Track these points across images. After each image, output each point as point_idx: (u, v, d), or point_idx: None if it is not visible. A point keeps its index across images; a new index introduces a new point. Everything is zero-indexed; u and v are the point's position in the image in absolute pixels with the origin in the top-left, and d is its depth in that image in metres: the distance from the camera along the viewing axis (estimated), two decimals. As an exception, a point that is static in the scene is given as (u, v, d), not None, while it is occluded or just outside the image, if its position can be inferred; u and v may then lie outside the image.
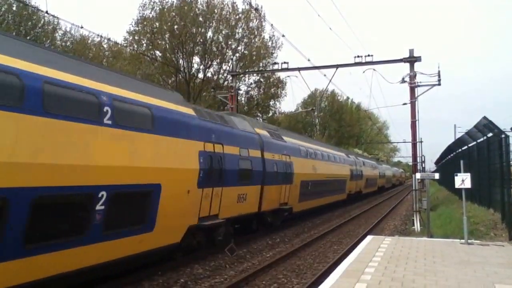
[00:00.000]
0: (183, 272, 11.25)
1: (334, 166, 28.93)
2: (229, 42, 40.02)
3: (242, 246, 14.68)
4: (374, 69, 24.09)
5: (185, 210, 11.25)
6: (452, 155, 29.60)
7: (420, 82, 23.19)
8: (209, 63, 40.40)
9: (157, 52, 39.33)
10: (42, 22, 35.01)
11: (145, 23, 37.99)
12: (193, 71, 40.09)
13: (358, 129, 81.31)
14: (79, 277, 8.36)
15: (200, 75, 40.49)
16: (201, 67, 40.48)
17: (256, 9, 37.63)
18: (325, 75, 26.01)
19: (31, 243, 7.06)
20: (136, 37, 38.48)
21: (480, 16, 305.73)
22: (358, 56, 23.90)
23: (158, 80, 39.00)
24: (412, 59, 22.95)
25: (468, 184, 11.59)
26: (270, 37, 42.35)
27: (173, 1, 38.27)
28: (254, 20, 40.73)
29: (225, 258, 12.97)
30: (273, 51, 42.63)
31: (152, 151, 9.78)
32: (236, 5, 39.95)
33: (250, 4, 32.43)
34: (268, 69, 38.78)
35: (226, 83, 39.13)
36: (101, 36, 34.28)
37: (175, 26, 37.56)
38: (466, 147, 21.52)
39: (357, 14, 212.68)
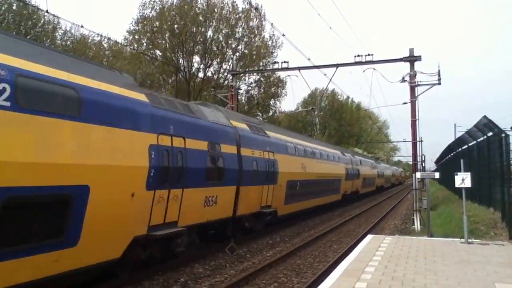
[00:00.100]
0: (183, 271, 11.25)
1: (327, 164, 27.04)
2: (229, 42, 40.05)
3: (242, 246, 14.68)
4: (374, 69, 24.11)
5: (127, 218, 9.14)
6: (452, 154, 29.61)
7: (420, 81, 23.23)
8: (209, 62, 40.43)
9: (157, 52, 39.35)
10: (42, 21, 35.01)
11: (145, 22, 38.02)
12: (193, 71, 40.14)
13: (358, 129, 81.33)
14: None
15: (200, 75, 40.56)
16: (201, 66, 40.55)
17: (256, 9, 37.68)
18: (325, 75, 26.02)
19: None
20: (136, 37, 38.51)
21: (480, 15, 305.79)
22: (358, 56, 23.93)
23: (158, 80, 39.03)
24: (412, 59, 22.95)
25: (468, 183, 11.59)
26: (270, 36, 42.44)
27: (173, 1, 38.35)
28: (254, 20, 40.79)
29: (225, 258, 12.96)
30: (273, 51, 42.72)
31: (77, 143, 7.82)
32: (236, 4, 40.04)
33: (250, 3, 32.50)
34: (268, 68, 38.78)
35: (226, 82, 39.13)
36: (101, 36, 34.28)
37: (175, 26, 37.58)
38: (466, 146, 21.52)
39: (357, 13, 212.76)
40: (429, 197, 17.71)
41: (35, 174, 7.01)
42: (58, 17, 26.78)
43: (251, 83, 45.14)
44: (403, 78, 23.22)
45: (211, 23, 39.08)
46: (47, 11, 17.22)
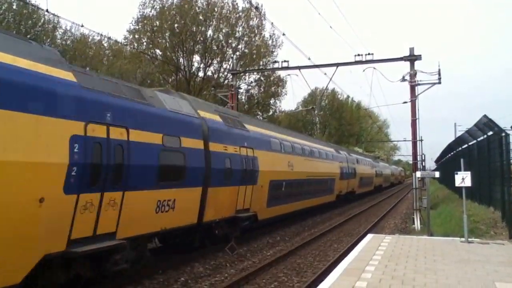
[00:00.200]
0: (184, 270, 11.26)
1: (319, 163, 25.06)
2: (230, 41, 40.02)
3: (242, 245, 14.69)
4: (374, 68, 24.17)
5: (32, 230, 7.11)
6: (452, 153, 29.62)
7: (420, 80, 23.26)
8: (210, 61, 40.41)
9: (158, 51, 39.33)
10: (42, 20, 34.96)
11: (145, 21, 38.00)
12: (193, 70, 40.11)
13: (359, 128, 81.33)
14: None
15: (201, 74, 40.52)
16: (202, 65, 40.51)
17: (256, 8, 37.66)
18: (325, 74, 26.06)
19: None
20: (136, 36, 38.49)
21: (480, 14, 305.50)
22: (359, 55, 23.99)
23: (158, 79, 39.02)
24: (412, 58, 22.97)
25: (468, 182, 11.60)
26: (270, 35, 42.39)
27: (173, 0, 38.31)
28: (255, 19, 40.76)
29: (225, 257, 12.98)
30: (273, 50, 42.68)
31: None
32: (236, 4, 40.00)
33: (250, 2, 32.44)
34: (269, 67, 38.79)
35: (226, 81, 39.10)
36: (102, 35, 34.23)
37: (176, 25, 37.55)
38: (466, 145, 21.52)
39: (357, 12, 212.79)
40: (429, 196, 17.74)
41: None
42: (58, 16, 26.70)
43: (251, 82, 45.19)
44: (403, 77, 23.26)
45: (211, 22, 39.06)
46: (47, 11, 17.30)
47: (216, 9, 38.96)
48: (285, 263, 12.74)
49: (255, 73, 42.48)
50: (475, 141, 18.57)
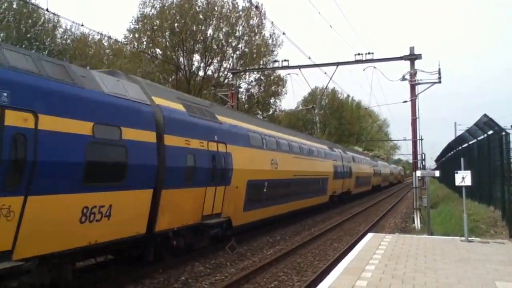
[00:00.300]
0: (184, 270, 11.27)
1: (309, 161, 22.97)
2: (230, 40, 40.03)
3: (242, 244, 14.70)
4: (374, 67, 24.20)
5: None
6: (452, 152, 29.62)
7: (421, 79, 23.28)
8: (210, 61, 40.42)
9: (158, 50, 39.34)
10: (42, 20, 34.99)
11: (145, 21, 38.00)
12: (193, 69, 40.13)
13: (359, 127, 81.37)
14: None
15: (201, 73, 40.54)
16: (202, 65, 40.54)
17: (257, 7, 37.68)
18: (325, 73, 26.12)
19: None
20: (136, 35, 38.50)
21: (480, 13, 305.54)
22: (359, 54, 24.00)
23: (158, 78, 39.03)
24: (412, 57, 22.99)
25: (468, 181, 11.61)
26: (270, 35, 42.46)
27: (173, -1, 38.30)
28: (255, 18, 40.78)
29: (225, 256, 12.98)
30: (273, 49, 42.73)
31: None
32: (237, 3, 40.04)
33: (250, 1, 32.47)
34: (269, 67, 38.80)
35: (226, 81, 39.11)
36: (102, 34, 34.24)
37: (176, 24, 37.56)
38: (466, 144, 21.52)
39: (357, 12, 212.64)
40: (429, 195, 17.74)
41: None
42: (58, 15, 26.74)
43: (252, 81, 45.22)
44: (403, 76, 23.28)
45: (211, 22, 39.07)
46: (47, 10, 17.33)
47: (216, 8, 38.97)
48: (285, 262, 12.75)
49: (255, 72, 42.51)
50: (475, 140, 18.57)
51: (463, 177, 11.62)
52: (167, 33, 38.23)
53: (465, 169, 11.97)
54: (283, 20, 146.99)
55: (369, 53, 23.76)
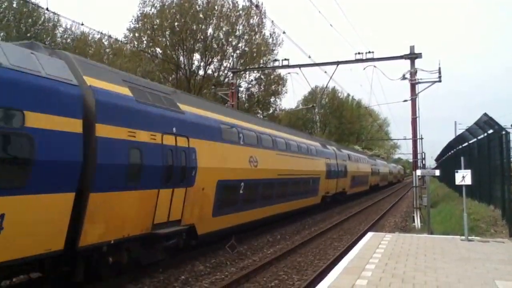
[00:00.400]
0: (184, 269, 11.28)
1: (298, 159, 20.89)
2: (230, 39, 39.99)
3: (243, 243, 14.71)
4: (374, 66, 24.19)
5: None
6: (452, 152, 29.62)
7: (421, 78, 23.28)
8: (210, 60, 40.39)
9: (158, 49, 39.32)
10: (42, 19, 35.03)
11: (145, 20, 37.97)
12: (193, 68, 40.10)
13: (359, 126, 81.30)
14: None
15: (201, 72, 40.52)
16: (202, 64, 40.49)
17: (257, 6, 37.64)
18: (325, 72, 26.10)
19: None
20: (136, 34, 38.47)
21: (480, 12, 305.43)
22: (359, 53, 24.02)
23: (158, 77, 39.03)
24: (412, 56, 22.99)
25: (468, 180, 11.61)
26: (270, 34, 42.40)
27: (173, -2, 38.27)
28: (255, 17, 40.73)
29: (225, 255, 12.99)
30: (273, 48, 42.69)
31: None
32: (237, 2, 39.97)
33: (250, 0, 32.45)
34: (269, 66, 38.79)
35: (226, 80, 39.10)
36: (102, 33, 34.27)
37: (176, 23, 37.53)
38: (466, 144, 21.52)
39: (357, 11, 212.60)
40: (429, 194, 17.75)
41: None
42: (58, 15, 26.87)
43: (252, 80, 45.16)
44: (403, 75, 23.29)
45: (211, 21, 39.03)
46: (47, 9, 17.33)
47: (216, 7, 38.94)
48: (286, 261, 12.76)
49: (255, 71, 42.46)
50: (475, 139, 18.57)
51: (463, 176, 11.62)
52: (167, 32, 38.21)
53: (465, 168, 11.98)
54: (283, 19, 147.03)
55: (369, 52, 23.77)
